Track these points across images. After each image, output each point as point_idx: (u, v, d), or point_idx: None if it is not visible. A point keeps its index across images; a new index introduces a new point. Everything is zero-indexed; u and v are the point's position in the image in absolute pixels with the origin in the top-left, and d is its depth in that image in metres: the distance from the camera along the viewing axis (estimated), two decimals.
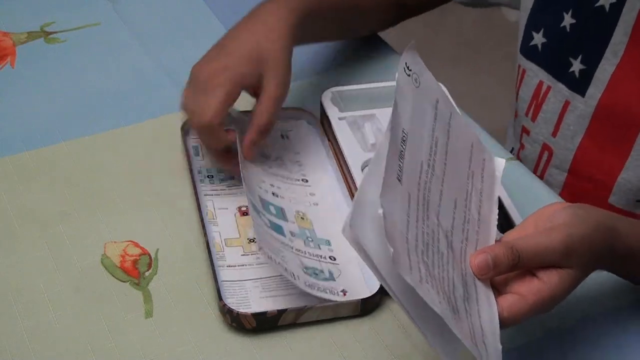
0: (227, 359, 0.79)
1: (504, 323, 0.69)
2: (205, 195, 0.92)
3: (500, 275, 0.71)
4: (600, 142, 0.96)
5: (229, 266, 0.85)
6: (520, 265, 0.70)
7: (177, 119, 0.99)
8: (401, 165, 0.69)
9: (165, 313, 0.82)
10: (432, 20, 1.25)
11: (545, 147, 1.02)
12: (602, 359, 0.80)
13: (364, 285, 0.84)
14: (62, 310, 0.82)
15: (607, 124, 0.95)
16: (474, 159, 0.78)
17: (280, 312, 0.79)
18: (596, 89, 0.95)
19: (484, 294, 0.70)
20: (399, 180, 0.68)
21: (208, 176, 0.94)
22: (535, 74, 1.02)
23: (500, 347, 0.68)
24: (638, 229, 0.78)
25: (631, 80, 0.92)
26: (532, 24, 1.02)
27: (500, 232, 0.86)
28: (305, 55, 1.12)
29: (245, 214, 0.90)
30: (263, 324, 0.79)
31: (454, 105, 0.80)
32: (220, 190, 0.93)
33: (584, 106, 0.96)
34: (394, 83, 0.72)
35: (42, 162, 0.97)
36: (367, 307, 0.82)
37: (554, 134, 1.00)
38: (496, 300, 0.70)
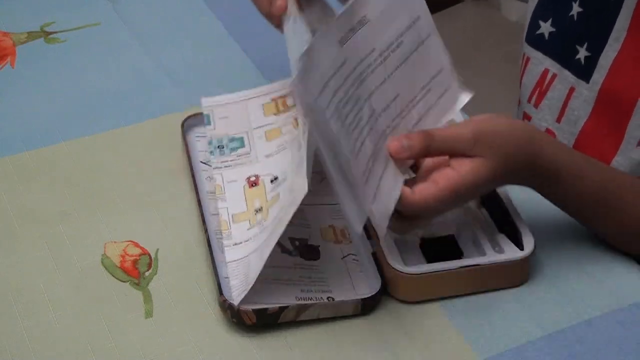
0: (227, 359, 0.79)
1: (414, 204, 0.75)
2: (215, 168, 0.91)
3: (414, 157, 0.77)
4: (601, 126, 0.98)
5: (235, 244, 0.85)
6: (433, 150, 0.77)
7: (177, 118, 0.99)
8: (347, 36, 0.71)
9: (165, 313, 0.82)
10: (432, 18, 1.24)
11: (548, 132, 1.03)
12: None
13: None
14: (62, 310, 0.82)
15: (609, 108, 0.96)
16: (438, 81, 0.81)
17: (281, 309, 0.79)
18: (599, 74, 0.96)
19: (392, 171, 0.75)
20: (340, 44, 0.71)
21: (218, 146, 0.93)
22: (540, 62, 1.03)
23: (390, 212, 0.73)
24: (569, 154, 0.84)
25: (630, 64, 0.94)
26: (540, 14, 1.04)
27: (498, 230, 0.86)
28: None
29: (253, 184, 0.89)
30: (263, 320, 0.79)
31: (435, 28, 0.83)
32: (231, 161, 0.92)
33: (588, 92, 0.97)
34: None
35: (42, 162, 0.97)
36: (367, 307, 0.82)
37: (559, 120, 1.02)
38: (413, 189, 0.75)
